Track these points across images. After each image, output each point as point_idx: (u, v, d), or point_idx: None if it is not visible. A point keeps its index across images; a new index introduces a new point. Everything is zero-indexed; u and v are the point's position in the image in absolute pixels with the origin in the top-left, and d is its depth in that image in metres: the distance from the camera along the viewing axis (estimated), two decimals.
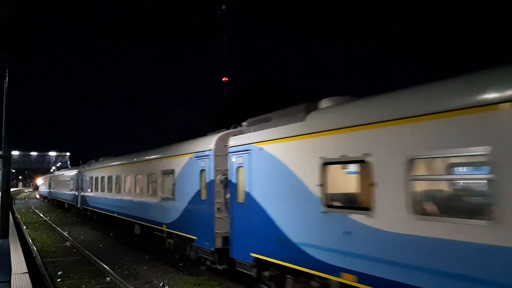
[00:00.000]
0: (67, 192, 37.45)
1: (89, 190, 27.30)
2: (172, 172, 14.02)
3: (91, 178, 26.74)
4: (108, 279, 12.09)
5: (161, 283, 11.46)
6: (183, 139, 15.61)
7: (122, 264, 14.16)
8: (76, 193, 31.72)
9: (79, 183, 30.78)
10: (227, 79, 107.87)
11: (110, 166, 22.68)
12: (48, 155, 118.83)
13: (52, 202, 49.88)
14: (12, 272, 7.53)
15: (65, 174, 41.11)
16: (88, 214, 27.94)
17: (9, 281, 5.39)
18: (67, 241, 19.66)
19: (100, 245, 18.34)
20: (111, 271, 12.58)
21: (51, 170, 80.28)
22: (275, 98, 38.69)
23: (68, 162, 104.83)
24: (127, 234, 19.95)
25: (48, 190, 54.77)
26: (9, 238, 10.65)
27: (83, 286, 11.42)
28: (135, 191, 17.96)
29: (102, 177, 23.79)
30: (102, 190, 23.62)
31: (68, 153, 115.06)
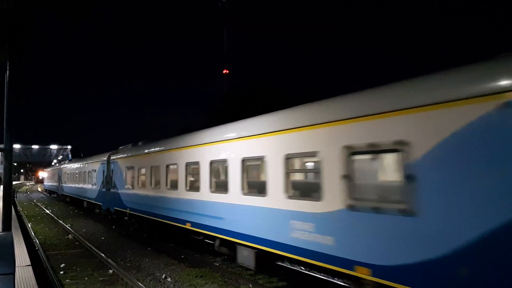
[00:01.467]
0: (87, 188, 28.52)
1: (127, 186, 19.10)
2: (403, 146, 5.94)
3: (130, 168, 18.74)
4: (110, 271, 12.17)
5: (164, 275, 11.55)
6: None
7: (124, 256, 14.26)
8: (103, 190, 23.59)
9: (108, 176, 22.52)
10: (228, 72, 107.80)
11: (172, 149, 14.29)
12: (49, 148, 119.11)
13: (64, 199, 41.29)
14: (15, 265, 7.59)
15: (84, 164, 31.00)
16: (125, 219, 19.79)
17: (14, 273, 5.46)
18: (70, 234, 19.78)
19: (102, 238, 18.44)
20: (114, 264, 12.66)
21: (53, 163, 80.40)
22: (274, 97, 38.91)
23: (70, 155, 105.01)
24: (128, 227, 20.03)
25: (58, 184, 45.26)
26: (12, 230, 10.74)
27: (86, 278, 11.51)
28: (243, 188, 9.89)
29: (155, 167, 15.74)
30: (156, 186, 15.50)
31: (69, 146, 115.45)
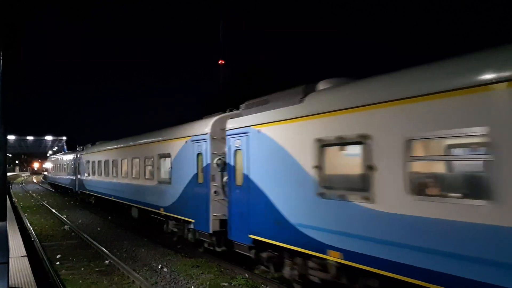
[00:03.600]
0: (147, 187, 16.15)
1: (328, 188, 7.11)
2: None
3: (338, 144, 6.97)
4: (107, 262, 12.18)
5: (160, 265, 11.57)
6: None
7: (120, 247, 14.26)
8: (198, 192, 12.04)
9: (215, 167, 11.37)
10: (223, 62, 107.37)
11: None
12: (44, 139, 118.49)
13: (82, 198, 30.01)
14: (11, 256, 7.57)
15: (137, 144, 17.86)
16: (313, 274, 7.91)
17: (7, 263, 5.43)
18: (65, 224, 19.75)
19: (98, 229, 18.43)
20: (110, 254, 12.67)
21: (48, 154, 79.98)
22: (271, 85, 38.95)
23: (65, 147, 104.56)
24: (125, 218, 20.02)
25: (73, 178, 32.48)
26: (7, 222, 10.69)
27: (82, 269, 11.51)
28: None
29: None
30: None
31: (64, 138, 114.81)
